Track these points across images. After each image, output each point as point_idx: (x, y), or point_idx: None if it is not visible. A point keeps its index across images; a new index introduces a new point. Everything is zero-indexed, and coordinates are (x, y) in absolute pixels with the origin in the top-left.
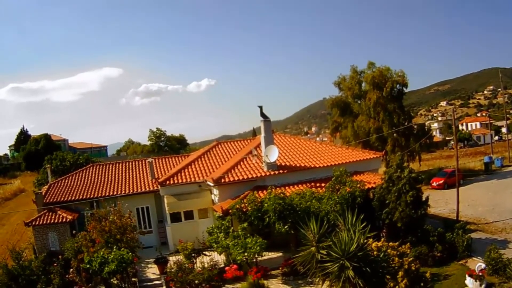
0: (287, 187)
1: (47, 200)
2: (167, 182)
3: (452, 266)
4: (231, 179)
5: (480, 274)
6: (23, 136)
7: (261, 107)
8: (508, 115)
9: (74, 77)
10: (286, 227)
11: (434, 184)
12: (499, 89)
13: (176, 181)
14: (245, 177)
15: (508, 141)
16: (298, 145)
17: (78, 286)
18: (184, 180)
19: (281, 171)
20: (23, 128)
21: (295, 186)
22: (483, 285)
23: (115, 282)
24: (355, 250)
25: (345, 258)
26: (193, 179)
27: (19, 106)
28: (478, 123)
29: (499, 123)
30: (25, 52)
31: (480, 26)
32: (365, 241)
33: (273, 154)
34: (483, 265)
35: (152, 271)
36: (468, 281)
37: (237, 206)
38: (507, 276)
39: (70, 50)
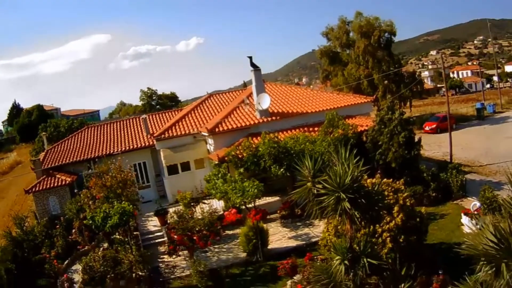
0: (280, 133)
1: (45, 166)
2: (162, 136)
3: (448, 205)
4: (225, 127)
5: (476, 212)
6: (15, 110)
7: (250, 58)
8: (498, 64)
9: (63, 47)
10: (282, 169)
11: (427, 128)
12: (489, 39)
13: (171, 134)
14: (239, 125)
15: (500, 88)
16: (290, 93)
17: (81, 246)
18: (179, 133)
19: (274, 118)
20: (15, 102)
21: (289, 131)
22: (479, 223)
23: (118, 237)
24: (350, 182)
25: (340, 190)
26: (187, 131)
27: (10, 82)
28: (469, 71)
29: (490, 72)
30: (11, 26)
31: None
32: (359, 174)
33: (265, 101)
34: (478, 204)
35: (153, 223)
36: (464, 219)
37: (233, 152)
38: (503, 215)
39: (57, 20)
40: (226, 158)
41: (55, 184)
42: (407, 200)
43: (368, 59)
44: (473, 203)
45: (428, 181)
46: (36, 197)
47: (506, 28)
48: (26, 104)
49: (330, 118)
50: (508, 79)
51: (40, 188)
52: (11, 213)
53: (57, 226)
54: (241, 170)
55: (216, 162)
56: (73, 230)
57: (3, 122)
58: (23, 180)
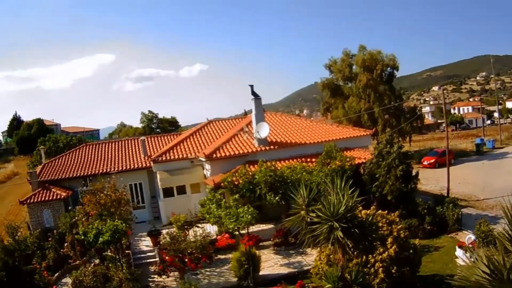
0: (278, 162)
1: (42, 179)
2: (160, 158)
3: (443, 238)
4: (223, 154)
5: (470, 246)
6: (15, 122)
7: (251, 86)
8: (500, 100)
9: (67, 63)
10: (277, 198)
11: (425, 163)
12: (491, 75)
13: (168, 158)
14: (237, 152)
15: (500, 124)
16: (289, 123)
17: (72, 260)
18: (177, 157)
19: (272, 147)
20: (16, 114)
21: (286, 161)
22: (474, 256)
23: (109, 254)
24: (344, 212)
25: (333, 219)
26: (185, 155)
27: (12, 94)
28: (470, 108)
29: (491, 108)
30: (16, 39)
31: (471, 13)
32: (353, 204)
33: (264, 130)
34: (473, 237)
35: (145, 243)
36: (459, 252)
37: (229, 179)
38: (497, 248)
39: (62, 36)
40: (222, 184)
41: (50, 198)
42: (401, 232)
43: (370, 93)
44: (468, 236)
45: (423, 214)
46: (30, 209)
47: (509, 64)
48: (26, 117)
49: (328, 150)
50: (509, 115)
51: (35, 200)
52: (5, 222)
53: (50, 239)
54: (236, 196)
55: (212, 188)
56: (65, 244)
57: (2, 133)
58: (18, 191)
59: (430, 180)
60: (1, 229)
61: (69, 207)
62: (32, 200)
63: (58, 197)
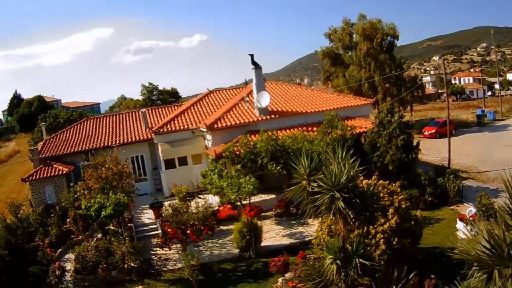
0: (279, 131)
1: (43, 155)
2: (161, 130)
3: (443, 210)
4: (224, 124)
5: (471, 218)
6: (16, 100)
7: (252, 55)
8: (500, 72)
9: (65, 39)
10: (278, 167)
11: (426, 133)
12: (492, 47)
13: (169, 129)
14: (238, 122)
15: (501, 96)
16: (290, 92)
17: (75, 235)
18: (178, 128)
19: (273, 116)
20: (16, 92)
21: (287, 130)
22: (474, 230)
23: (112, 227)
24: (345, 182)
25: (335, 189)
26: (186, 126)
27: (11, 72)
28: (471, 78)
29: (492, 79)
30: (14, 17)
31: None
32: (355, 174)
33: (264, 99)
34: (473, 210)
35: (147, 216)
36: (459, 225)
37: (231, 149)
38: (498, 222)
39: (60, 12)
40: (223, 154)
41: (52, 174)
42: (403, 202)
43: (370, 61)
44: (468, 209)
45: (425, 185)
46: (32, 186)
47: (509, 36)
48: (27, 95)
49: (329, 119)
50: (510, 87)
51: (37, 177)
52: (7, 200)
53: (52, 215)
54: (238, 166)
55: (214, 158)
56: (68, 220)
57: (3, 112)
58: (20, 169)
59: (431, 150)
60: (4, 207)
61: (71, 183)
62: (34, 177)
63: (60, 172)
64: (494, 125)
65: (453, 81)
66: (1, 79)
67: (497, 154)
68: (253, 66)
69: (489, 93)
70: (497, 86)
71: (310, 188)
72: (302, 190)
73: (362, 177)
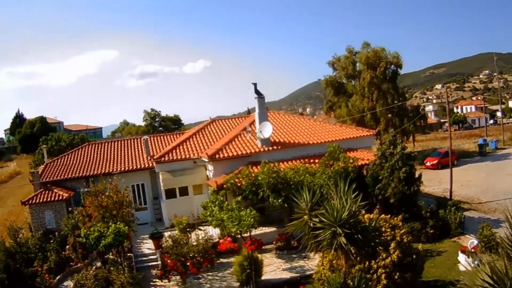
0: (281, 163)
1: (44, 179)
2: (162, 158)
3: (445, 242)
4: (226, 154)
5: (473, 250)
6: (18, 119)
7: (255, 84)
8: (503, 100)
9: (70, 60)
10: (280, 200)
11: (428, 164)
12: (495, 74)
13: (171, 158)
14: (240, 153)
15: (503, 124)
16: (292, 123)
17: (74, 263)
18: (179, 157)
19: (275, 147)
20: (19, 112)
21: (289, 161)
22: (476, 262)
23: (111, 256)
24: (347, 217)
25: (337, 225)
26: (188, 156)
27: (14, 90)
28: (473, 107)
29: (494, 107)
30: (21, 35)
31: (475, 10)
32: (357, 209)
33: (267, 130)
34: (475, 242)
35: (147, 246)
36: (461, 257)
37: (232, 180)
38: (500, 253)
39: (65, 32)
40: (224, 186)
41: (52, 199)
42: (404, 236)
43: (373, 91)
44: (470, 241)
45: (426, 217)
46: (32, 210)
47: None
48: (29, 114)
49: (331, 151)
50: None
51: (37, 201)
52: (6, 223)
53: (51, 241)
54: (239, 198)
55: (215, 189)
56: (67, 246)
57: (5, 131)
58: (20, 191)
59: (432, 181)
60: (3, 230)
61: (70, 208)
62: (34, 201)
63: (60, 198)
64: (496, 154)
65: (455, 110)
66: (4, 97)
67: (499, 184)
68: (256, 95)
69: (491, 121)
70: (499, 114)
71: (311, 223)
72: (303, 225)
73: (364, 212)
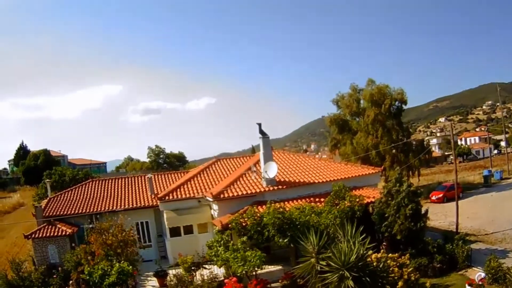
0: (286, 202)
1: (47, 214)
2: (167, 197)
3: (452, 276)
4: (231, 194)
5: (480, 283)
6: (22, 151)
7: (259, 124)
8: (506, 129)
9: (74, 93)
10: (285, 240)
11: (433, 198)
12: (498, 104)
13: (175, 197)
14: (244, 192)
15: (507, 154)
16: (297, 162)
17: None
18: (184, 196)
19: (280, 187)
20: (22, 143)
21: (294, 201)
22: None
23: None
24: (355, 261)
25: (344, 269)
26: (192, 195)
27: (18, 121)
28: (477, 138)
29: (498, 137)
30: (24, 67)
31: (476, 41)
32: (365, 252)
33: (272, 170)
34: (482, 275)
35: (151, 284)
36: None
37: (237, 220)
38: (507, 284)
39: (69, 66)
40: (229, 226)
41: (55, 234)
42: (412, 274)
43: (378, 128)
44: (478, 274)
45: (433, 252)
46: (35, 243)
47: None
48: (33, 146)
49: (337, 190)
50: None
51: (40, 235)
52: (8, 256)
53: (55, 276)
54: (244, 238)
55: (219, 229)
56: (70, 282)
57: (9, 162)
58: (24, 223)
59: (438, 215)
60: (5, 262)
61: (73, 245)
62: (37, 235)
63: (64, 233)
64: (501, 184)
65: (459, 142)
66: (8, 128)
67: (504, 214)
68: (260, 135)
69: (495, 151)
70: (503, 143)
71: (318, 267)
72: (310, 267)
73: (371, 252)
